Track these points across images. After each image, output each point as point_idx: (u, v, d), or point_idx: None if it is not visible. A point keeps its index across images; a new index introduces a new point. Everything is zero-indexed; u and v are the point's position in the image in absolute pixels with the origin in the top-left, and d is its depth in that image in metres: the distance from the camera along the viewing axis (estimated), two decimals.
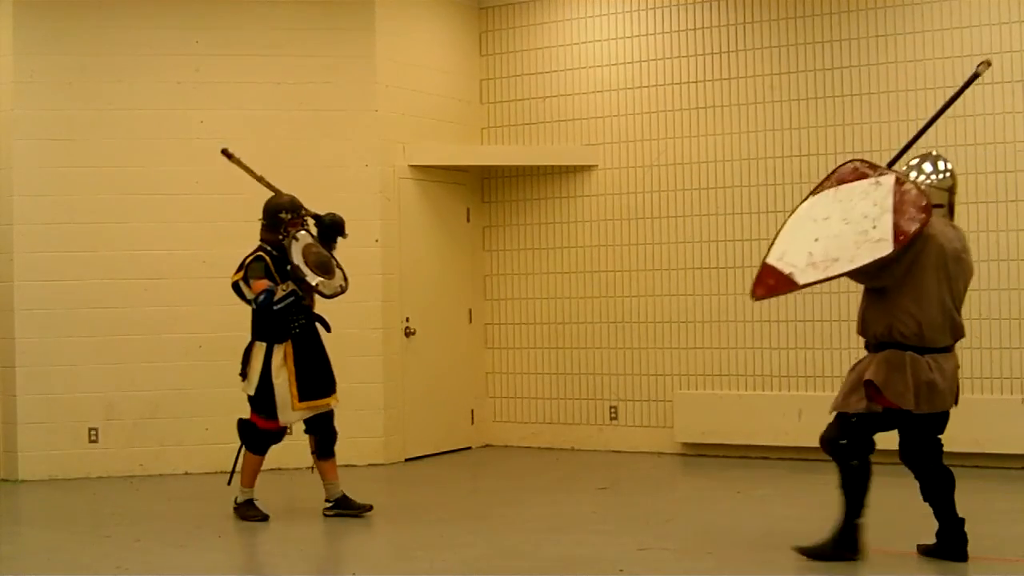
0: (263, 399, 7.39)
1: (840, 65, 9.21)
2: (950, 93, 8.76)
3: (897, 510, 7.46)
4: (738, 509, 7.55)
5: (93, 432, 9.04)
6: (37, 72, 9.05)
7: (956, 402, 6.13)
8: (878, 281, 5.94)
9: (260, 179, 7.70)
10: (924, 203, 5.78)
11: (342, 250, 9.37)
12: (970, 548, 6.18)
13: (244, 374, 7.47)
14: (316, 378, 7.44)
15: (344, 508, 7.46)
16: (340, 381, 9.31)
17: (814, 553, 6.11)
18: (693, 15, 9.73)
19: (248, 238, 9.22)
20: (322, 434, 7.51)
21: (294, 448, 9.30)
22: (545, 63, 10.32)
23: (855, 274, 5.94)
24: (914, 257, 5.86)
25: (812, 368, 9.25)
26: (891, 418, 6.08)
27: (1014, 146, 8.68)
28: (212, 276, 9.20)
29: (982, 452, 8.60)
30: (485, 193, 10.58)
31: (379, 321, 9.44)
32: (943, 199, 6.07)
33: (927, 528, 6.93)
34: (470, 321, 10.40)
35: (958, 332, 6.03)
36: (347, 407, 9.37)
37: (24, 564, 6.55)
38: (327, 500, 7.51)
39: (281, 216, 7.44)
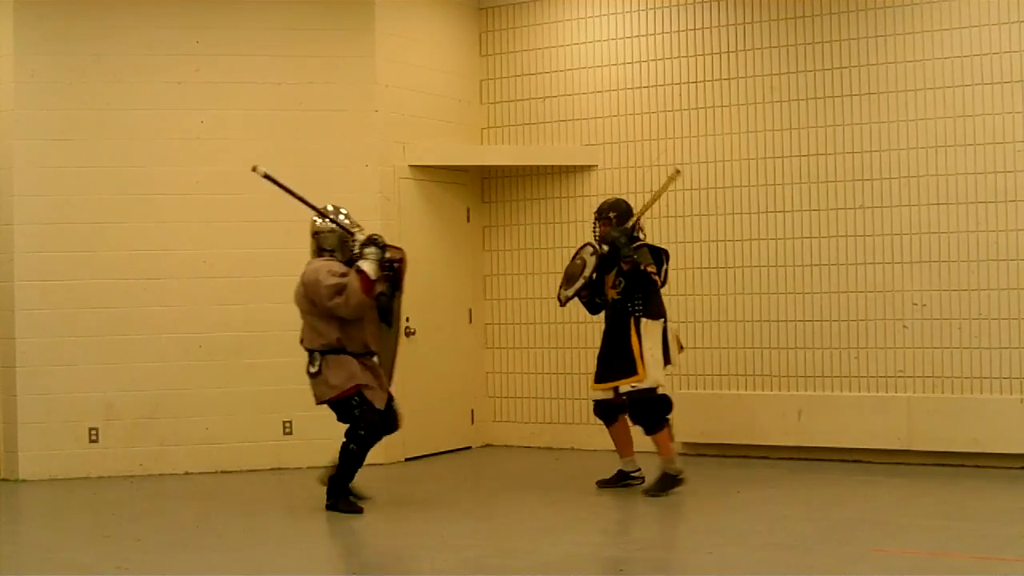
0: None
1: (840, 65, 9.21)
2: (950, 93, 8.86)
3: (896, 510, 7.47)
4: (738, 509, 7.55)
5: (93, 432, 9.04)
6: (37, 72, 9.05)
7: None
8: None
9: None
10: None
11: None
12: (971, 548, 6.19)
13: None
14: (602, 364, 8.19)
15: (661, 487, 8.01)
16: None
17: None
18: (693, 15, 9.73)
19: (248, 238, 9.28)
20: (636, 419, 8.09)
21: (294, 448, 9.33)
22: (545, 63, 10.32)
23: None
24: None
25: (812, 368, 9.26)
26: None
27: (1014, 146, 8.68)
28: (212, 276, 9.22)
29: (982, 452, 8.60)
30: (485, 193, 10.58)
31: None
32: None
33: (927, 528, 6.94)
34: (470, 321, 10.41)
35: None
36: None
37: (24, 564, 6.55)
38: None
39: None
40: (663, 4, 9.84)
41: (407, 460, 9.61)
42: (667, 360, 8.05)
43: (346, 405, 7.54)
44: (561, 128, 10.24)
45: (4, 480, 8.96)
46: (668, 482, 7.96)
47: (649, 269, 7.94)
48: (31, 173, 9.04)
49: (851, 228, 9.15)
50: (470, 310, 10.40)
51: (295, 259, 9.28)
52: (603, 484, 8.29)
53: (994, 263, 8.72)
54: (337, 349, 7.50)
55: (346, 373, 7.48)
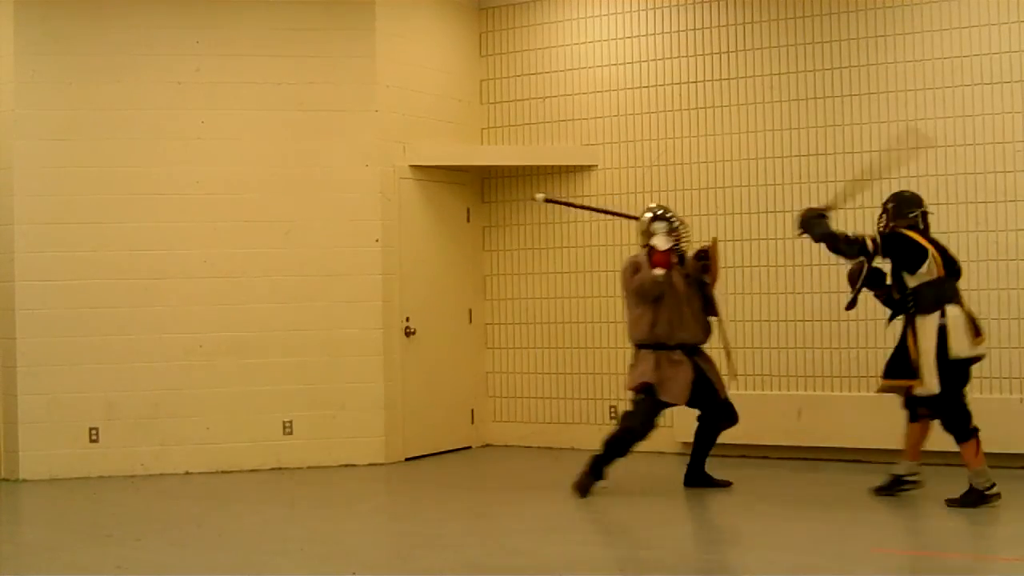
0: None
1: (840, 65, 9.21)
2: (950, 93, 8.86)
3: (895, 510, 7.47)
4: (738, 509, 7.56)
5: (93, 432, 9.04)
6: (38, 72, 9.05)
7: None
8: None
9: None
10: None
11: (343, 249, 9.42)
12: (971, 548, 6.18)
13: None
14: (893, 359, 7.66)
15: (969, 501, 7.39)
16: (340, 381, 9.39)
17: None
18: (693, 15, 9.73)
19: (248, 238, 9.27)
20: (938, 418, 7.58)
21: (294, 448, 9.33)
22: (545, 63, 10.32)
23: None
24: None
25: (812, 368, 9.25)
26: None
27: (1014, 146, 8.68)
28: (212, 276, 9.22)
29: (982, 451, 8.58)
30: (485, 193, 10.58)
31: (379, 321, 9.45)
32: None
33: (927, 528, 6.94)
34: (470, 321, 10.41)
35: None
36: (347, 407, 9.41)
37: (24, 564, 6.56)
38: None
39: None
40: (663, 4, 9.84)
41: (407, 460, 9.61)
42: (945, 357, 7.29)
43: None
44: (561, 128, 10.24)
45: (4, 480, 8.97)
46: (974, 497, 7.34)
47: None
48: (31, 173, 9.04)
49: (851, 228, 9.12)
50: (470, 310, 10.41)
51: (295, 259, 9.33)
52: (879, 491, 7.80)
53: (994, 263, 8.72)
54: (648, 344, 7.88)
55: (639, 370, 7.91)
